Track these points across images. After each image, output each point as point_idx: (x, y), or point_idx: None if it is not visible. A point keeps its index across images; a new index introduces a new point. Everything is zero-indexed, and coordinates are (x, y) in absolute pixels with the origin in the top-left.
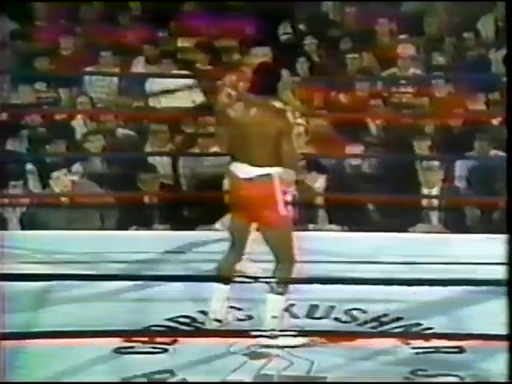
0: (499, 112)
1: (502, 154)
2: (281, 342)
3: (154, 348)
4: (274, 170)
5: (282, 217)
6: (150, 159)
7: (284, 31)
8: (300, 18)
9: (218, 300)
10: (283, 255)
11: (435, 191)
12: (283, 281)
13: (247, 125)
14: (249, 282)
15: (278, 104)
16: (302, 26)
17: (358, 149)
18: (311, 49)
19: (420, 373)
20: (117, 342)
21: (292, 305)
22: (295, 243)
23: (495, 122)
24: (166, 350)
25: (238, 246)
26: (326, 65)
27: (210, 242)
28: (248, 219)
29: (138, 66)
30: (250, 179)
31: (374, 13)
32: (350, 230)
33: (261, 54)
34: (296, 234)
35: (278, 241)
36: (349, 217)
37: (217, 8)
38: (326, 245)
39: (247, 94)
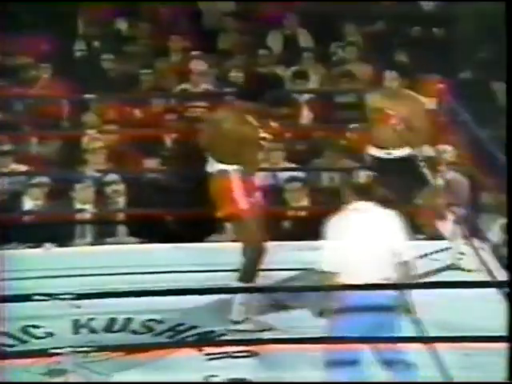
0: (290, 126)
1: (292, 165)
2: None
3: None
4: (233, 168)
5: (241, 210)
6: None
7: (79, 48)
8: (94, 34)
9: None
10: (246, 246)
11: None
12: (245, 273)
13: (219, 125)
14: (46, 300)
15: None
16: (96, 43)
17: (154, 162)
18: (108, 65)
19: (212, 379)
20: None
21: (91, 319)
22: (260, 235)
23: (287, 135)
24: None
25: None
26: (121, 81)
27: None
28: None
29: None
30: (212, 174)
31: (167, 29)
32: (149, 242)
33: None
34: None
35: (240, 233)
36: (147, 229)
37: (10, 25)
38: (124, 257)
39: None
